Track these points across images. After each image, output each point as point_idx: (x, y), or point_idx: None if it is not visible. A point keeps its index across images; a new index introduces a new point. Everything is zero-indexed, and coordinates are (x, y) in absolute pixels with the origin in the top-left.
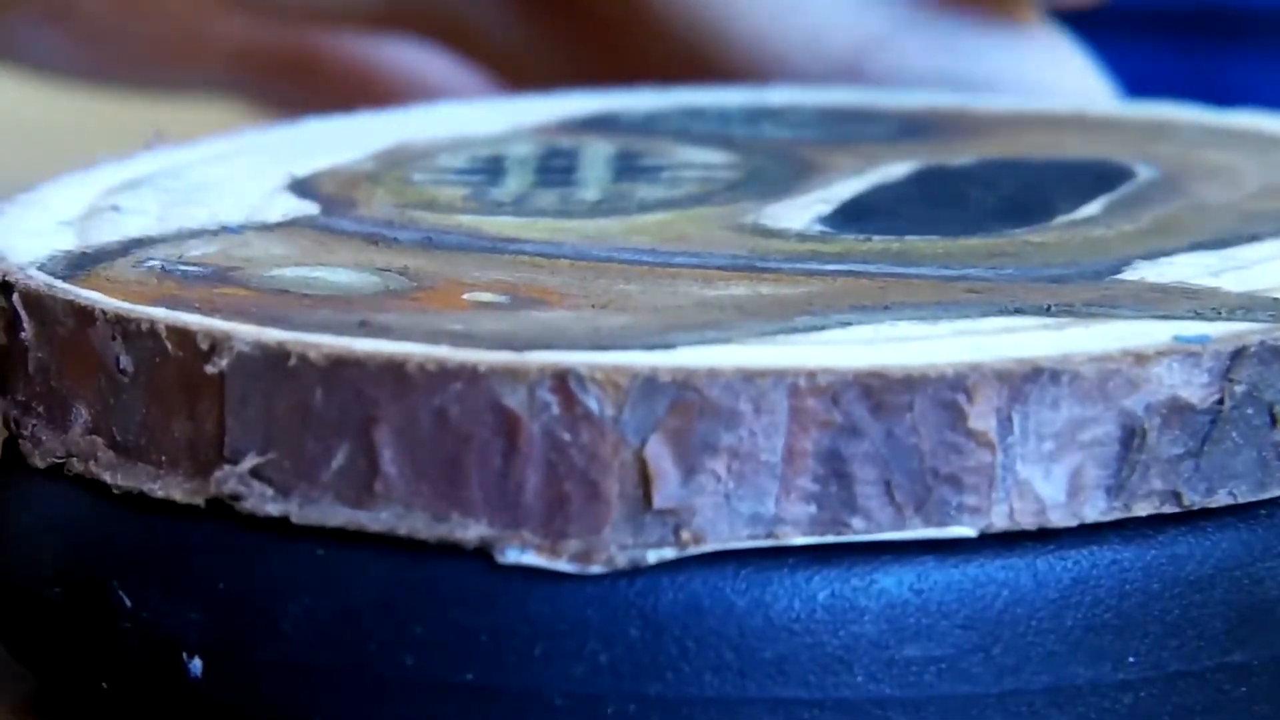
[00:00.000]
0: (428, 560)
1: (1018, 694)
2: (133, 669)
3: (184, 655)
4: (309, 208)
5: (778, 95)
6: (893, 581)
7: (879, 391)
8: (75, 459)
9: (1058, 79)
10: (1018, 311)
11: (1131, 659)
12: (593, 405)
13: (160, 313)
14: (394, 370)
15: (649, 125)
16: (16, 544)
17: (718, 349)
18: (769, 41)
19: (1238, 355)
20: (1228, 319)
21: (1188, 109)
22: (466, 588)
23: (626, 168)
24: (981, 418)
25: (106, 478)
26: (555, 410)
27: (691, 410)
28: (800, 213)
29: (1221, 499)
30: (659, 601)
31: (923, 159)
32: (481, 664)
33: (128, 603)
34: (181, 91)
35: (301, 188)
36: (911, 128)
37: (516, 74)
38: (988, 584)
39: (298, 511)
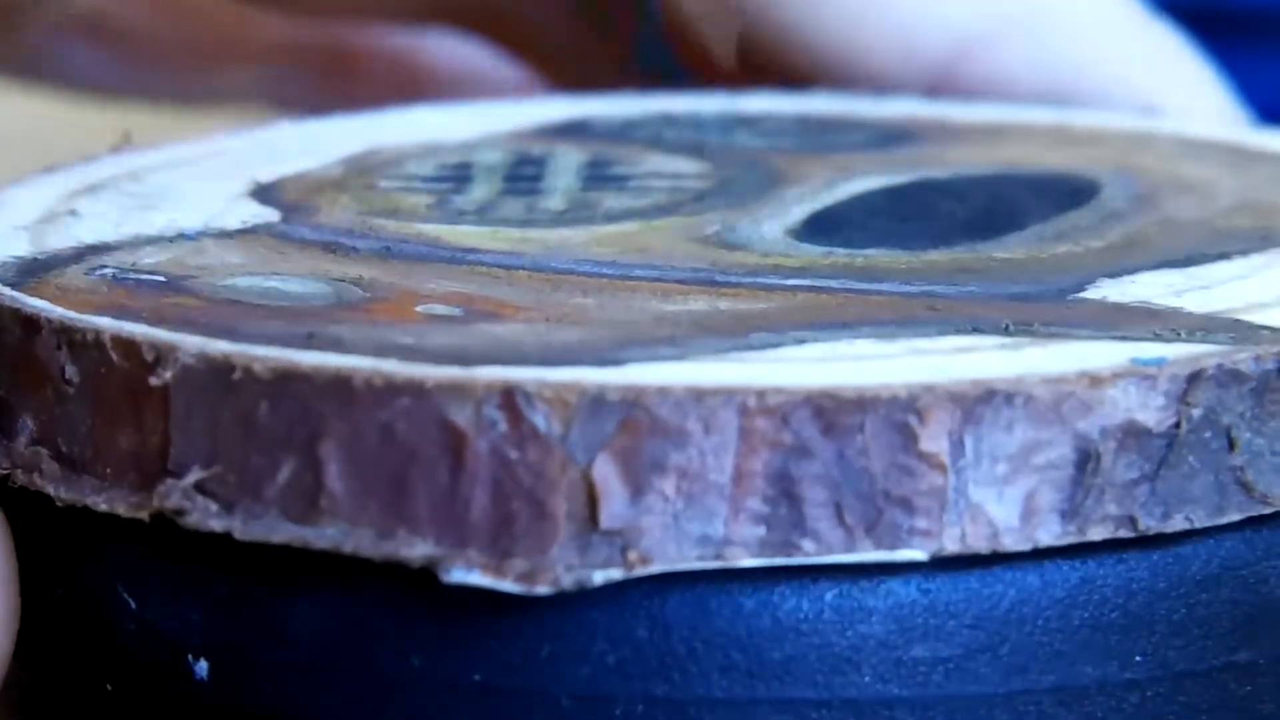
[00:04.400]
0: None
1: (1025, 694)
2: (137, 671)
3: (189, 657)
4: (269, 215)
5: (754, 102)
6: (900, 582)
7: (830, 412)
8: (20, 471)
9: (1178, 99)
10: (976, 330)
11: (1138, 658)
12: (540, 423)
13: (106, 322)
14: (340, 385)
15: (623, 132)
16: (19, 546)
17: (669, 366)
18: (854, 40)
19: (1194, 378)
20: (1186, 340)
21: (1169, 122)
22: (472, 588)
23: (595, 176)
24: (933, 440)
25: (50, 490)
26: (502, 427)
27: (640, 429)
28: (766, 225)
29: (1178, 524)
30: (666, 602)
31: (896, 170)
32: (488, 665)
33: (132, 604)
34: (214, 101)
35: (264, 194)
36: (889, 137)
37: (560, 69)
38: (995, 584)
39: (241, 528)
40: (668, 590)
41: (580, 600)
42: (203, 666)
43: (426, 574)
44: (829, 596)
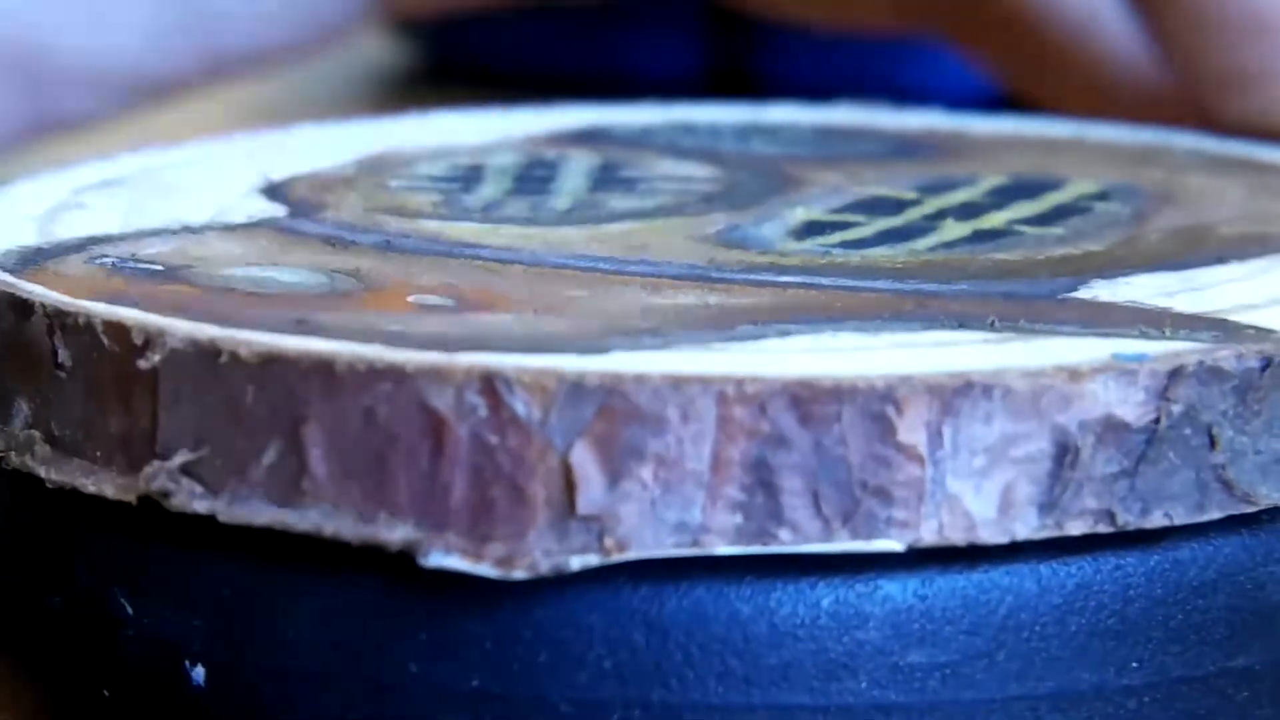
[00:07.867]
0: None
1: (1022, 699)
2: (135, 677)
3: (186, 663)
4: (276, 210)
5: (775, 113)
6: (897, 587)
7: (807, 401)
8: (13, 453)
9: None
10: (961, 326)
11: (1135, 664)
12: (519, 408)
13: (97, 307)
14: (323, 369)
15: (639, 139)
16: (18, 551)
17: (650, 355)
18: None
19: (1175, 374)
20: (1170, 338)
21: (1184, 134)
22: (469, 594)
23: (604, 178)
24: (911, 430)
25: (41, 472)
26: (482, 413)
27: (618, 415)
28: (768, 226)
29: (1157, 520)
30: (663, 607)
31: (909, 177)
32: (486, 670)
33: (129, 610)
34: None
35: (274, 191)
36: (906, 147)
37: None
38: (992, 589)
39: (225, 509)
40: (664, 595)
41: (577, 605)
42: (199, 672)
43: (426, 580)
44: (825, 602)
